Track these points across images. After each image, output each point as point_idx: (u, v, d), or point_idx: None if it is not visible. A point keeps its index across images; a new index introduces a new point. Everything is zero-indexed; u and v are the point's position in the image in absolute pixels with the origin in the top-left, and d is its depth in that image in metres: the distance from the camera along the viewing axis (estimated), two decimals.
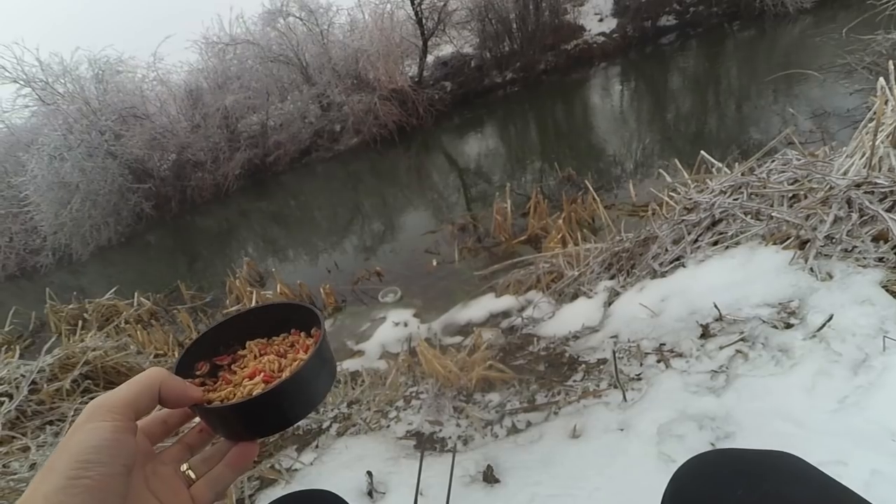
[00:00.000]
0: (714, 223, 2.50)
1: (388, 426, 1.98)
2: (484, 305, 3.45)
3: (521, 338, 2.70)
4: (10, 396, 2.83)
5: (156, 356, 4.01)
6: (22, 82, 9.73)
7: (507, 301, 3.33)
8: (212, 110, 10.41)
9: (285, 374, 0.45)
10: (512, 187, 4.55)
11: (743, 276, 2.06)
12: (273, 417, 0.43)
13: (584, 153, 6.31)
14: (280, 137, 10.49)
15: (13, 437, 2.56)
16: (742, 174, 2.76)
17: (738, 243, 2.23)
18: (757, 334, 1.72)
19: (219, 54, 10.95)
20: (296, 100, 10.90)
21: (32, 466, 2.08)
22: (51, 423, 2.79)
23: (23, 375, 3.02)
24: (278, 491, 1.78)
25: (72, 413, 2.72)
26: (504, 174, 6.48)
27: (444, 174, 7.46)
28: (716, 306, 1.89)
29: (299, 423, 2.44)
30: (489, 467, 1.43)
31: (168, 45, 11.13)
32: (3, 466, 2.11)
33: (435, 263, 4.48)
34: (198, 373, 0.49)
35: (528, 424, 1.67)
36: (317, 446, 2.04)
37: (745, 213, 2.36)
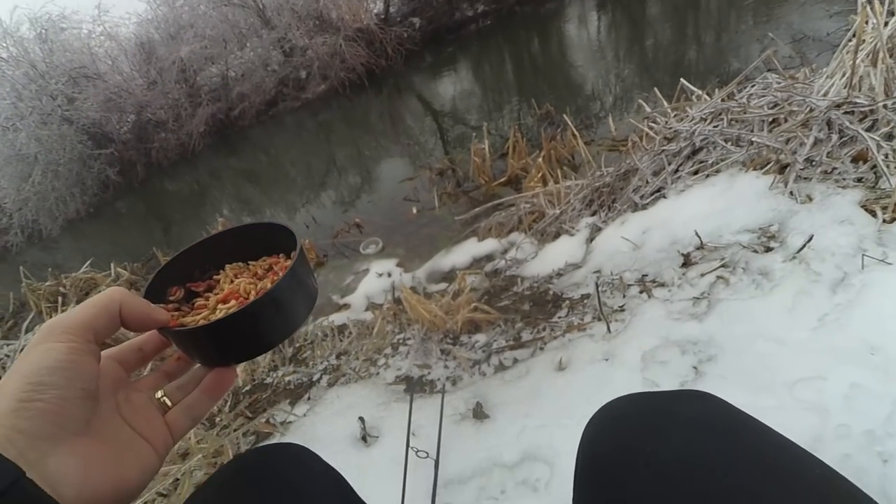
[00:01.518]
0: (694, 152, 2.47)
1: (378, 373, 1.99)
2: (467, 250, 3.43)
3: (505, 279, 2.70)
4: None
5: None
6: None
7: (489, 244, 3.31)
8: (167, 64, 9.79)
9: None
10: (489, 128, 4.43)
11: (723, 203, 2.05)
12: (247, 340, 0.41)
13: (561, 88, 6.14)
14: (243, 89, 9.98)
15: None
16: (722, 100, 2.71)
17: (718, 171, 2.21)
18: (737, 259, 1.73)
19: (168, 1, 10.17)
20: (255, 46, 10.29)
21: None
22: None
23: (7, 356, 2.97)
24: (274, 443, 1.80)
25: None
26: (481, 114, 6.30)
27: (418, 118, 7.23)
28: (697, 234, 1.89)
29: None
30: (478, 404, 1.45)
31: None
32: None
33: (415, 211, 4.41)
34: (171, 298, 0.46)
35: (515, 361, 1.69)
36: (309, 398, 2.06)
37: (726, 140, 2.33)
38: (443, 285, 3.25)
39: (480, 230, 3.52)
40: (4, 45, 9.22)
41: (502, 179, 4.16)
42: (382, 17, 10.06)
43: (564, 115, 4.09)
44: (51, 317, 3.04)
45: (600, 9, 9.46)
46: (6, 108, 8.97)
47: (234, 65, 10.36)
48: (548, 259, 2.55)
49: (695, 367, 1.39)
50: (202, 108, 9.84)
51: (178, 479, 1.75)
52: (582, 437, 0.54)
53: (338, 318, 3.29)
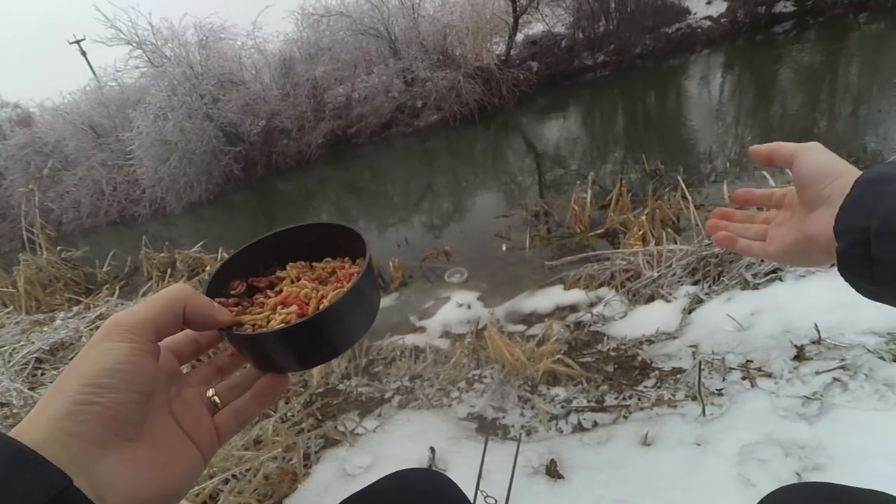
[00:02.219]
0: None
1: (450, 405, 2.01)
2: (551, 297, 3.38)
3: (588, 335, 2.62)
4: None
5: None
6: (134, 45, 10.57)
7: (575, 295, 3.24)
8: (302, 80, 10.84)
9: (322, 305, 0.42)
10: (594, 177, 4.38)
11: (849, 297, 1.84)
12: (305, 351, 0.40)
13: (674, 146, 5.93)
14: (363, 110, 10.76)
15: None
16: None
17: None
18: (860, 364, 1.57)
19: (313, 25, 11.33)
20: (381, 73, 11.09)
21: None
22: None
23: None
24: (342, 451, 1.88)
25: None
26: (584, 162, 6.26)
27: (521, 157, 7.32)
28: (816, 327, 1.73)
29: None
30: (553, 461, 1.41)
31: (267, 15, 11.68)
32: None
33: (504, 248, 4.44)
34: (232, 292, 0.45)
35: (595, 424, 1.63)
36: (379, 415, 2.12)
37: None
38: (521, 327, 3.22)
39: (568, 279, 3.46)
40: (170, 45, 10.69)
41: (599, 231, 4.08)
42: (503, 58, 10.42)
43: (677, 176, 3.95)
44: (159, 285, 3.40)
45: (727, 69, 9.09)
46: (161, 98, 10.28)
47: (359, 87, 11.24)
48: (638, 322, 2.45)
49: (798, 474, 1.27)
50: (324, 123, 10.74)
51: (250, 469, 1.86)
52: None
53: (413, 340, 3.37)
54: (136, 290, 3.66)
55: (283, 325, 0.40)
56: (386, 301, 4.30)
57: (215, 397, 0.41)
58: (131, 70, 11.31)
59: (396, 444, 1.76)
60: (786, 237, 0.51)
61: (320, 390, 2.59)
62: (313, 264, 0.49)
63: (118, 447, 0.31)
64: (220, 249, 6.03)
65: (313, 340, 0.39)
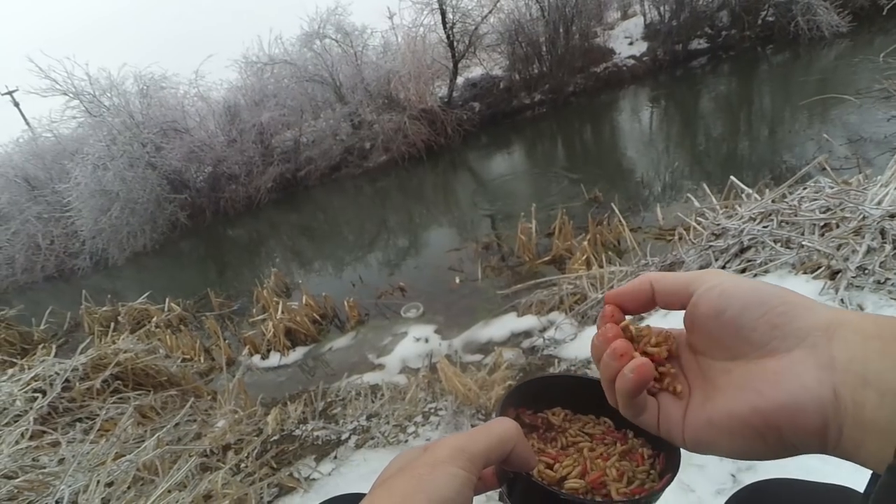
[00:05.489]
0: (742, 250, 2.46)
1: (407, 441, 1.99)
2: (505, 324, 3.45)
3: (542, 358, 2.68)
4: (44, 393, 2.95)
5: (183, 360, 4.12)
6: (71, 95, 10.30)
7: (529, 321, 3.32)
8: (248, 126, 10.82)
9: (620, 489, 0.40)
10: (536, 208, 4.56)
11: None
12: None
13: (611, 175, 6.28)
14: (312, 153, 10.82)
15: (44, 432, 2.66)
16: (773, 201, 2.72)
17: (767, 272, 2.19)
18: None
19: (257, 73, 11.42)
20: (328, 118, 11.24)
21: (61, 461, 2.16)
22: (80, 420, 2.90)
23: (57, 373, 3.14)
24: (296, 499, 1.81)
25: (103, 412, 2.81)
26: (529, 194, 6.51)
27: (469, 193, 7.53)
28: None
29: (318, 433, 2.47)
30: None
31: (209, 64, 11.70)
32: (34, 460, 2.20)
33: (458, 281, 4.50)
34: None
35: None
36: (335, 457, 2.07)
37: (775, 241, 2.32)
38: (478, 356, 3.25)
39: (521, 306, 3.54)
40: (109, 95, 10.47)
41: (546, 258, 4.22)
42: (446, 100, 10.84)
43: (612, 202, 4.18)
44: (102, 341, 3.20)
45: (653, 102, 9.79)
46: (100, 149, 10.01)
47: (306, 132, 11.33)
48: (587, 343, 2.53)
49: (733, 475, 1.34)
50: (273, 167, 10.70)
51: None
52: None
53: (371, 378, 3.32)
54: (76, 347, 3.45)
55: (590, 491, 0.40)
56: (343, 341, 4.25)
57: None
58: (68, 120, 11.04)
59: (351, 486, 1.71)
60: (713, 411, 0.34)
61: (275, 437, 2.50)
62: (577, 416, 0.49)
63: None
64: (168, 300, 5.80)
65: None
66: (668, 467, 0.41)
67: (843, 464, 0.29)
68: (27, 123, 13.86)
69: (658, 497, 0.38)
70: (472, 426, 1.96)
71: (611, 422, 0.47)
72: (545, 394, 0.49)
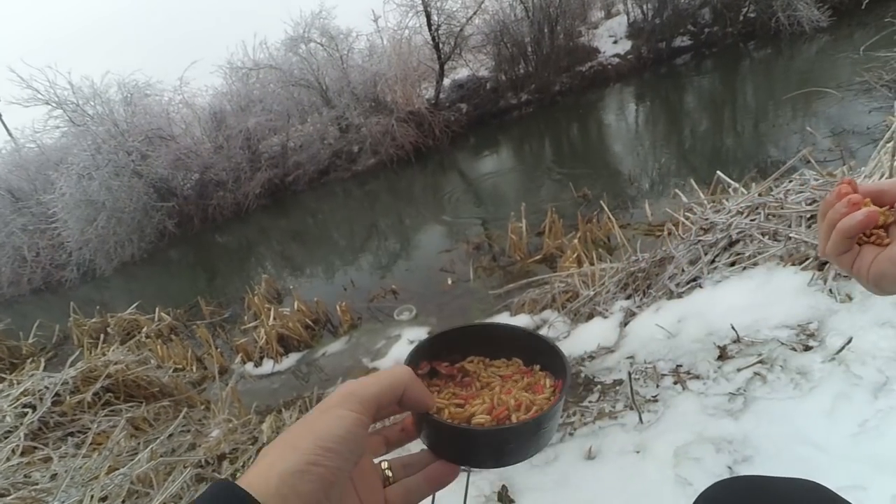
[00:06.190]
0: (731, 244, 2.49)
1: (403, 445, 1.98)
2: None
3: None
4: (34, 408, 2.90)
5: (175, 370, 4.08)
6: (54, 104, 10.14)
7: (522, 320, 3.33)
8: (234, 132, 10.73)
9: (521, 416, 0.43)
10: (526, 207, 4.58)
11: (761, 297, 2.04)
12: (492, 452, 0.42)
13: (599, 173, 6.32)
14: (300, 158, 10.75)
15: (35, 448, 2.61)
16: (759, 194, 2.75)
17: (755, 264, 2.22)
18: (775, 356, 1.70)
19: (242, 79, 11.33)
20: (315, 122, 11.18)
21: (53, 477, 2.13)
22: (72, 434, 2.85)
23: (46, 388, 3.09)
24: None
25: (94, 426, 2.77)
26: (519, 193, 6.53)
27: (459, 194, 7.54)
28: (733, 328, 1.87)
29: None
30: (504, 488, 1.42)
31: (194, 70, 11.59)
32: (26, 476, 2.16)
33: (450, 282, 4.50)
34: (419, 372, 0.48)
35: None
36: None
37: (763, 234, 2.35)
38: None
39: (513, 305, 3.55)
40: (92, 103, 10.32)
41: (537, 257, 4.24)
42: (433, 102, 10.84)
43: (601, 199, 4.21)
44: (92, 353, 3.18)
45: (638, 99, 9.88)
46: (85, 158, 9.86)
47: (294, 136, 11.25)
48: (580, 340, 2.54)
49: (729, 468, 1.35)
50: (260, 173, 10.61)
51: None
52: None
53: None
54: (66, 360, 3.41)
55: (489, 425, 0.42)
56: (336, 346, 4.23)
57: (388, 471, 0.42)
58: (51, 130, 10.88)
59: None
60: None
61: None
62: (492, 361, 0.52)
63: None
64: (158, 309, 5.73)
65: (502, 445, 0.41)
66: (563, 392, 0.44)
67: (840, 454, 0.30)
68: (10, 134, 13.64)
69: (550, 417, 0.42)
70: None
71: (521, 361, 0.51)
72: (459, 345, 0.51)
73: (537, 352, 0.50)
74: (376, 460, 0.42)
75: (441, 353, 0.51)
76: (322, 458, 0.33)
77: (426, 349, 0.50)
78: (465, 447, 0.42)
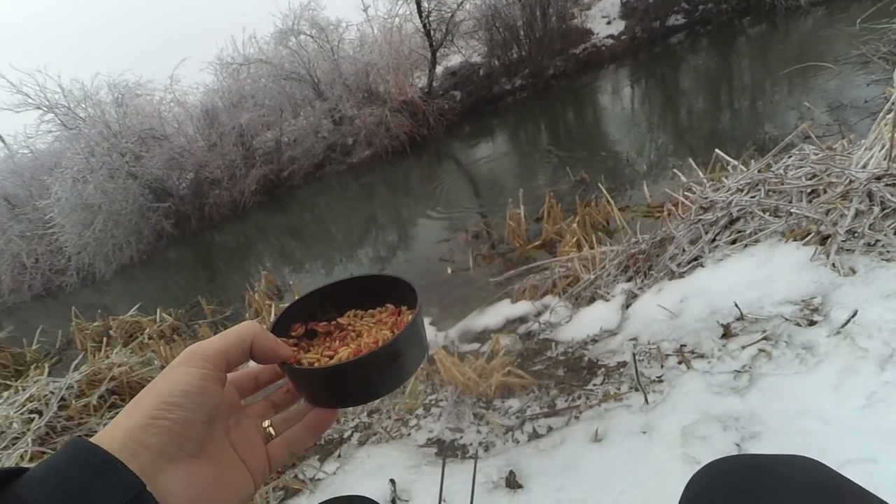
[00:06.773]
0: (732, 221, 2.47)
1: (409, 434, 1.98)
2: (500, 311, 3.44)
3: (538, 343, 2.68)
4: (40, 413, 2.91)
5: None
6: (45, 108, 10.02)
7: (523, 306, 3.32)
8: (227, 129, 10.63)
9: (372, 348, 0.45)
10: (524, 193, 4.55)
11: (764, 273, 2.03)
12: (357, 387, 0.43)
13: (596, 156, 6.28)
14: (294, 152, 10.66)
15: (43, 453, 2.63)
16: (759, 171, 2.73)
17: (757, 241, 2.20)
18: (780, 332, 1.69)
19: (233, 74, 11.20)
20: (308, 115, 11.08)
21: None
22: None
23: (52, 392, 3.10)
24: (303, 500, 1.80)
25: (101, 428, 2.78)
26: (516, 180, 6.49)
27: (456, 182, 7.49)
28: (736, 305, 1.86)
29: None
30: (511, 473, 1.42)
31: (184, 68, 11.43)
32: None
33: (450, 271, 4.48)
34: (293, 334, 0.49)
35: (550, 429, 1.66)
36: (339, 455, 2.06)
37: (764, 211, 2.33)
38: (475, 345, 3.24)
39: (514, 292, 3.53)
40: (84, 106, 10.20)
41: (537, 243, 4.22)
42: (426, 90, 10.71)
43: (598, 182, 4.18)
44: (95, 357, 3.18)
45: (634, 80, 9.78)
46: (79, 161, 9.76)
47: (287, 131, 11.15)
48: (582, 324, 2.54)
49: (737, 444, 1.35)
50: (255, 169, 10.54)
51: None
52: (688, 492, 0.55)
53: None
54: (70, 364, 3.42)
55: (336, 362, 0.44)
56: None
57: (270, 428, 0.45)
58: (44, 135, 10.72)
59: (357, 483, 1.71)
60: None
61: None
62: (368, 311, 0.53)
63: (181, 461, 0.35)
64: (159, 310, 5.73)
65: (367, 377, 0.43)
66: (415, 317, 0.46)
67: (848, 427, 0.29)
68: (2, 141, 13.55)
69: (402, 341, 0.43)
70: (474, 414, 1.96)
71: (392, 306, 0.52)
72: (332, 302, 0.53)
73: (403, 294, 0.52)
74: (265, 423, 0.45)
75: (316, 314, 0.52)
76: (165, 411, 0.34)
77: (296, 311, 0.51)
78: (329, 388, 0.43)
